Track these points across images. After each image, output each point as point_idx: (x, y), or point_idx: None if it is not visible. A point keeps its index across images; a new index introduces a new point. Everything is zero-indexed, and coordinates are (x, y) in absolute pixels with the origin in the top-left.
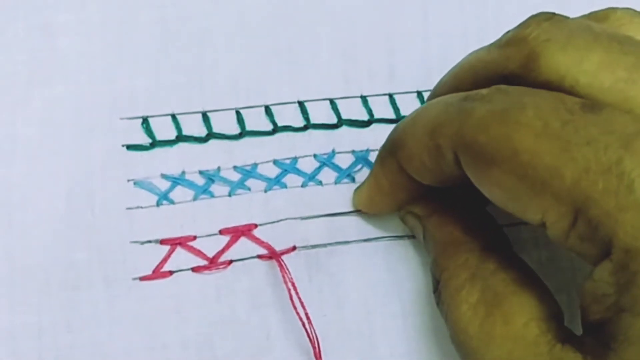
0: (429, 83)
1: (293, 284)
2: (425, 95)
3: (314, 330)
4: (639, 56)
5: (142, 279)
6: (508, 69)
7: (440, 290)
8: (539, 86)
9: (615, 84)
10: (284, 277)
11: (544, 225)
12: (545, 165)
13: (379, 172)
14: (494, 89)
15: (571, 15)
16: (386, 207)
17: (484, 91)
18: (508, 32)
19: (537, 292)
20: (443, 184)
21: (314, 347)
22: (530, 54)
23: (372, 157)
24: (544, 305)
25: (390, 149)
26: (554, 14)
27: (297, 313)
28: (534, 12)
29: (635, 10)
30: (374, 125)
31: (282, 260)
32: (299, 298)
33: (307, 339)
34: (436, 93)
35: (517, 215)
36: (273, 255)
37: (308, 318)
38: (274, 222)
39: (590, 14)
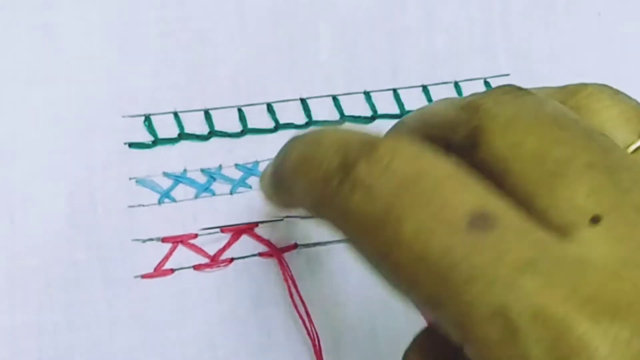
0: (434, 77)
1: (294, 282)
2: (431, 89)
3: (315, 328)
4: (575, 146)
5: (143, 277)
6: (455, 136)
7: None
8: (477, 163)
9: (542, 178)
10: (284, 274)
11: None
12: (425, 291)
13: None
14: (370, 160)
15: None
16: None
17: (361, 170)
18: (473, 94)
19: None
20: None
21: (314, 345)
22: (476, 128)
23: None
24: None
25: (277, 182)
26: (519, 88)
27: (298, 311)
28: (539, 6)
29: (607, 87)
30: (377, 121)
31: (283, 258)
32: (300, 296)
33: (308, 337)
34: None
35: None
36: (274, 253)
37: (309, 316)
38: (275, 220)
39: (565, 86)
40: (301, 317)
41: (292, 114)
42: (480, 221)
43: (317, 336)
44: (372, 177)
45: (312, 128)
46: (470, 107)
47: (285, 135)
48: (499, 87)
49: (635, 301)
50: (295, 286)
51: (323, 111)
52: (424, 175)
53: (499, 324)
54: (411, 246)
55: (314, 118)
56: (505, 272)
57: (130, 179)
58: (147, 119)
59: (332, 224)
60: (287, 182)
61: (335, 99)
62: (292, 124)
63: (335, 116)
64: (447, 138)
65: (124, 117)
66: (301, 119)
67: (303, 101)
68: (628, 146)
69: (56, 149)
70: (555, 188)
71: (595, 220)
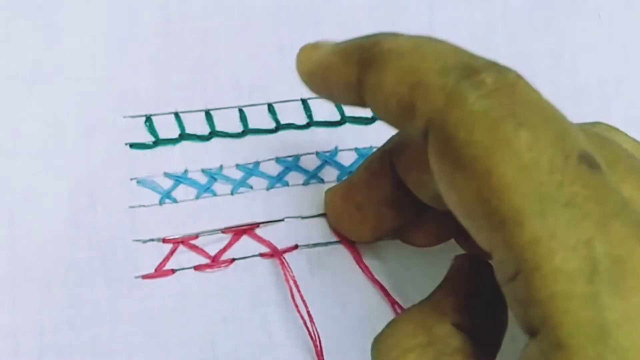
0: None
1: (295, 282)
2: None
3: (316, 329)
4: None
5: (144, 277)
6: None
7: None
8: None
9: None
10: (285, 275)
11: (491, 257)
12: (512, 206)
13: None
14: (499, 78)
15: None
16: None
17: (488, 78)
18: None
19: None
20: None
21: (315, 346)
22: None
23: None
24: None
25: (363, 57)
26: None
27: (299, 311)
28: (540, 6)
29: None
30: (378, 123)
31: (284, 259)
32: (301, 296)
33: (309, 338)
34: None
35: (467, 230)
36: (275, 253)
37: (310, 317)
38: (275, 220)
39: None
40: (302, 317)
41: (292, 114)
42: (586, 162)
43: (319, 337)
44: (500, 85)
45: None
46: (454, 103)
47: (285, 136)
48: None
49: None
50: (297, 286)
51: (324, 112)
52: (545, 104)
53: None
54: (521, 154)
55: (315, 118)
56: (599, 212)
57: (131, 179)
58: (148, 119)
59: (426, 119)
60: (383, 61)
61: None
62: (293, 124)
63: (336, 117)
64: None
65: (124, 117)
66: (302, 119)
67: (304, 101)
68: None
69: (57, 149)
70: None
71: None
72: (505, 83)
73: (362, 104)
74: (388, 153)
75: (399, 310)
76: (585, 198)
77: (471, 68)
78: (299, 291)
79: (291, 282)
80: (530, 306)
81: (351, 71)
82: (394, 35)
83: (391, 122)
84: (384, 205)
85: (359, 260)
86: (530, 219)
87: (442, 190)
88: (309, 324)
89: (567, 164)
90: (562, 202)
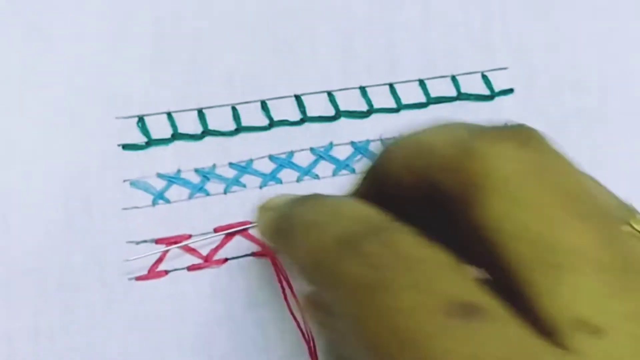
0: (432, 71)
1: (288, 282)
2: (428, 83)
3: (309, 329)
4: (588, 234)
5: (137, 279)
6: (447, 182)
7: None
8: (470, 223)
9: (543, 269)
10: (278, 275)
11: None
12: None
13: None
14: (356, 254)
15: None
16: None
17: (368, 246)
18: (481, 129)
19: None
20: None
21: (309, 348)
22: (472, 184)
23: (373, 147)
24: None
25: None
26: (530, 134)
27: (291, 312)
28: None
29: None
30: (374, 116)
31: (277, 258)
32: (294, 296)
33: (302, 338)
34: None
35: None
36: (267, 253)
37: (303, 317)
38: None
39: None
40: (294, 318)
41: (286, 110)
42: (463, 311)
43: (312, 337)
44: (376, 251)
45: (317, 195)
46: (467, 154)
47: (279, 133)
48: (508, 129)
49: None
50: (290, 286)
51: (318, 107)
52: (424, 259)
53: None
54: (394, 318)
55: (309, 114)
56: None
57: (124, 181)
58: (141, 119)
59: (323, 283)
60: (291, 235)
61: (330, 94)
62: (286, 120)
63: (331, 112)
64: (435, 177)
65: (117, 118)
66: (296, 116)
67: (297, 98)
68: None
69: (50, 151)
70: (556, 284)
71: (594, 331)
72: (386, 246)
73: None
74: None
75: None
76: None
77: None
78: (292, 291)
79: (284, 282)
80: None
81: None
82: (302, 205)
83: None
84: None
85: (278, 273)
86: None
87: None
88: (302, 324)
89: (452, 319)
90: None
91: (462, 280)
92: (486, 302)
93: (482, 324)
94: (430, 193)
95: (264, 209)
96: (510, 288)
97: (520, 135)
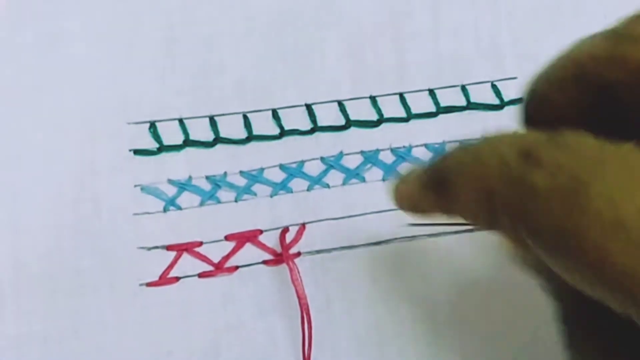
0: (441, 81)
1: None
2: (437, 92)
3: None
4: None
5: (148, 285)
6: (619, 74)
7: None
8: None
9: None
10: (292, 277)
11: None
12: (619, 268)
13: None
14: (552, 145)
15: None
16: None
17: (543, 153)
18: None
19: None
20: None
21: (303, 352)
22: None
23: (382, 156)
24: None
25: (434, 181)
26: None
27: (302, 316)
28: (545, 8)
29: None
30: (383, 125)
31: (293, 262)
32: (304, 301)
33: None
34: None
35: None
36: (284, 257)
37: (309, 321)
38: (279, 227)
39: None
40: (302, 322)
41: (297, 120)
42: None
43: (310, 341)
44: (557, 155)
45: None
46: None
47: (290, 142)
48: None
49: None
50: (303, 292)
51: (328, 116)
52: (608, 153)
53: None
54: (601, 213)
55: (320, 124)
56: None
57: (135, 186)
58: (152, 125)
59: (507, 213)
60: (450, 179)
61: (340, 104)
62: (297, 130)
63: (341, 121)
64: (605, 79)
65: (129, 123)
66: (306, 125)
67: (308, 107)
68: None
69: (61, 155)
70: None
71: None
72: (557, 145)
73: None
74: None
75: (306, 332)
76: None
77: (526, 152)
78: (305, 299)
79: (300, 286)
80: None
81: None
82: (454, 152)
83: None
84: None
85: (294, 276)
86: None
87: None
88: (306, 332)
89: None
90: None
91: None
92: None
93: None
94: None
95: (402, 182)
96: None
97: None
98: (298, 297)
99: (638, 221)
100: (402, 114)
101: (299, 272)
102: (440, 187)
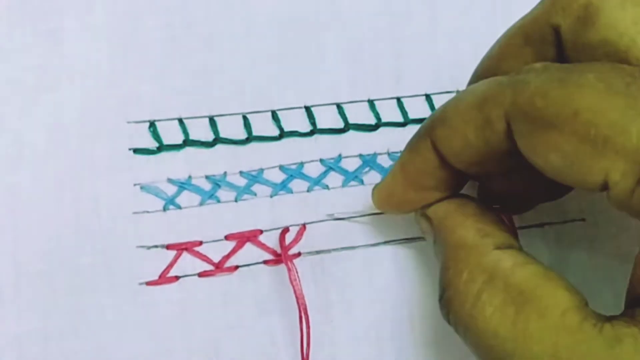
0: (438, 86)
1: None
2: (434, 98)
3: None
4: None
5: (148, 284)
6: (563, 23)
7: (449, 297)
8: (594, 46)
9: None
10: (290, 278)
11: (605, 187)
12: (610, 122)
13: (406, 157)
14: (547, 64)
15: None
16: (407, 201)
17: (537, 65)
18: None
19: (561, 283)
20: (477, 167)
21: (302, 352)
22: (589, 7)
23: (380, 160)
24: (572, 294)
25: (427, 128)
26: None
27: (300, 317)
28: None
29: None
30: (381, 129)
31: (292, 263)
32: (301, 301)
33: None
34: (483, 67)
35: (574, 183)
36: (283, 258)
37: (307, 321)
38: (279, 227)
39: None
40: (301, 322)
41: (296, 121)
42: None
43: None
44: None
45: None
46: None
47: (289, 143)
48: None
49: None
50: (301, 292)
51: (327, 119)
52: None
53: None
54: (596, 85)
55: (319, 126)
56: None
57: (135, 185)
58: (152, 124)
59: (500, 121)
60: (445, 115)
61: (339, 106)
62: (296, 131)
63: (340, 124)
64: (549, 31)
65: (129, 122)
66: (305, 127)
67: (307, 109)
68: None
69: (61, 154)
70: None
71: None
72: (550, 64)
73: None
74: (427, 134)
75: (304, 331)
76: None
77: (518, 70)
78: (303, 300)
79: (298, 286)
80: None
81: (416, 164)
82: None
83: (478, 149)
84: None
85: (291, 277)
86: (631, 122)
87: (541, 163)
88: (304, 332)
89: (636, 78)
90: None
91: None
92: None
93: None
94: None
95: (381, 183)
96: None
97: None
98: (296, 297)
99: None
100: (400, 118)
101: (297, 272)
102: (436, 128)
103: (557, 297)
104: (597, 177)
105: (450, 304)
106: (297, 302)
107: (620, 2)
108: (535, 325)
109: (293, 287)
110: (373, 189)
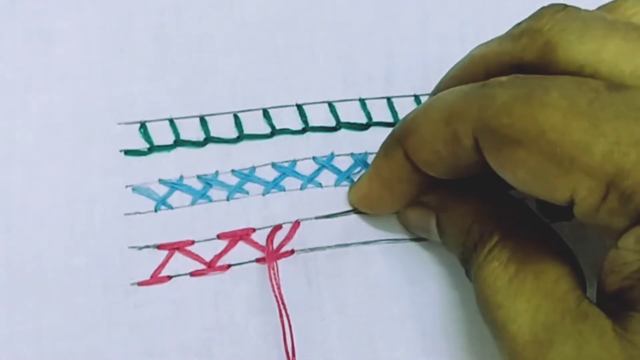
0: (427, 87)
1: (280, 291)
2: (423, 99)
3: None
4: None
5: (140, 284)
6: (524, 60)
7: (471, 256)
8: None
9: (636, 71)
10: (270, 282)
11: (572, 202)
12: (574, 142)
13: (381, 163)
14: (513, 77)
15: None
16: (384, 204)
17: (503, 78)
18: (520, 23)
19: (566, 254)
20: (451, 175)
21: (285, 349)
22: (547, 45)
23: (371, 159)
24: (572, 266)
25: (399, 137)
26: (566, 5)
27: (281, 321)
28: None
29: None
30: (372, 129)
31: (276, 265)
32: (284, 306)
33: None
34: (442, 86)
35: (543, 197)
36: (268, 259)
37: (290, 325)
38: (272, 226)
39: (601, 6)
40: (283, 327)
41: (288, 119)
42: (613, 87)
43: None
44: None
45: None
46: (531, 31)
47: (281, 141)
48: (544, 8)
49: None
50: (281, 296)
51: (319, 117)
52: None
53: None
54: (559, 103)
55: (310, 124)
56: None
57: (126, 186)
58: (143, 126)
59: (468, 136)
60: (415, 125)
61: (331, 105)
62: (288, 129)
63: (331, 122)
64: (511, 65)
65: (119, 124)
66: (297, 125)
67: (299, 107)
68: None
69: (52, 156)
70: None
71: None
72: (517, 76)
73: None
74: (399, 144)
75: (287, 335)
76: (629, 109)
77: (484, 82)
78: (282, 300)
79: (277, 291)
80: (628, 203)
81: (390, 170)
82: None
83: (449, 161)
84: (400, 183)
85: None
86: (595, 141)
87: (510, 178)
88: (287, 334)
89: (600, 93)
90: (613, 117)
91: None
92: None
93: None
94: None
95: (356, 183)
96: None
97: (558, 6)
98: (275, 296)
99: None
100: (390, 118)
101: (278, 272)
102: (406, 138)
103: (556, 263)
104: (563, 193)
105: (469, 262)
106: (277, 302)
107: (579, 36)
108: (529, 285)
109: (272, 285)
110: (350, 189)
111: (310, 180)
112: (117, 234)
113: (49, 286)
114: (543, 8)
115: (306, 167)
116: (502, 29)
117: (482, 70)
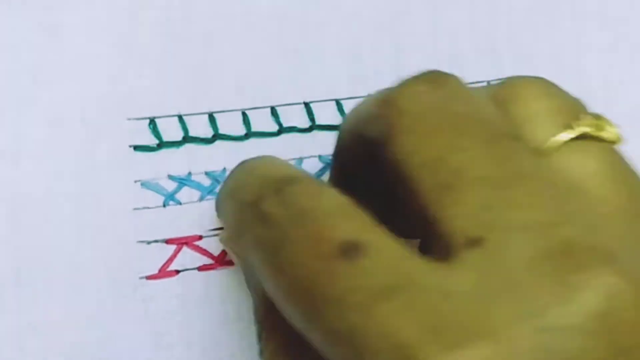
0: None
1: None
2: None
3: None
4: (473, 154)
5: (148, 278)
6: (371, 133)
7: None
8: (390, 163)
9: (434, 190)
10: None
11: None
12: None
13: None
14: (258, 216)
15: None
16: None
17: (268, 205)
18: (397, 85)
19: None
20: None
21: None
22: (387, 125)
23: None
24: None
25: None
26: (440, 76)
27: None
28: (543, 9)
29: (543, 80)
30: None
31: None
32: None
33: None
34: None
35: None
36: None
37: None
38: None
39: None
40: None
41: (295, 117)
42: (351, 251)
43: None
44: (274, 210)
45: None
46: (385, 102)
47: (288, 139)
48: (422, 75)
49: (486, 332)
50: None
51: (326, 115)
52: (314, 209)
53: (351, 345)
54: (291, 269)
55: (317, 122)
56: (362, 298)
57: (135, 181)
58: (152, 121)
59: (245, 251)
60: (221, 206)
61: (338, 102)
62: (295, 127)
63: (339, 120)
64: (364, 132)
65: (129, 119)
66: (305, 123)
67: (307, 105)
68: (549, 140)
69: (61, 151)
70: (444, 203)
71: (473, 242)
72: (262, 218)
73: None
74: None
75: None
76: (348, 290)
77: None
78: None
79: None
80: None
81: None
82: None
83: None
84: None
85: None
86: (314, 329)
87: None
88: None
89: (329, 261)
90: (332, 298)
91: (351, 223)
92: (370, 238)
93: (365, 259)
94: (367, 153)
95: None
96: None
97: (434, 78)
98: None
99: (310, 280)
100: None
101: None
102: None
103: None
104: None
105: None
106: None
107: (409, 128)
108: None
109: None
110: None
111: (316, 177)
112: (125, 228)
113: (57, 280)
114: (420, 74)
115: (312, 165)
116: (514, 22)
117: (354, 127)
